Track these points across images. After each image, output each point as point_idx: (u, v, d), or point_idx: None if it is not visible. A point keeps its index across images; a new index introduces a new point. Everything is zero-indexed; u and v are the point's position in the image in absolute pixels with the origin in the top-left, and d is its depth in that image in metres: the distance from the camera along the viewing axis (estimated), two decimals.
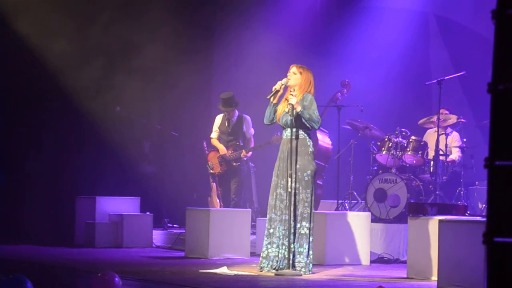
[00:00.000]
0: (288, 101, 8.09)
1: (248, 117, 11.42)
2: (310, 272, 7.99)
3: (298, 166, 8.00)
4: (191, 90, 13.05)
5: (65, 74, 12.27)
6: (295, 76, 8.16)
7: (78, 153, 12.48)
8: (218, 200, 11.60)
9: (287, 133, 8.14)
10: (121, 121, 12.67)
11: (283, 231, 8.01)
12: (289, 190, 7.95)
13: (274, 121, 8.26)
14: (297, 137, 8.06)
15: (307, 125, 8.08)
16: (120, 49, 12.47)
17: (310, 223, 8.00)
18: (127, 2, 12.60)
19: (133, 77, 12.55)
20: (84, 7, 12.40)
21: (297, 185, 7.99)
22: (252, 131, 11.43)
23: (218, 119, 11.51)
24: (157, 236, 11.95)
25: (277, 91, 8.15)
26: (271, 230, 8.08)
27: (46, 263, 8.88)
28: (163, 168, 13.16)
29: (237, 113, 11.44)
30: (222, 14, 13.37)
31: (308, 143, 8.08)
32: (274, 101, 8.20)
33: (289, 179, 7.96)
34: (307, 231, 7.97)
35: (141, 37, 12.53)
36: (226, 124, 11.45)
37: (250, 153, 11.43)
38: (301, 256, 7.96)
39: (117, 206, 11.91)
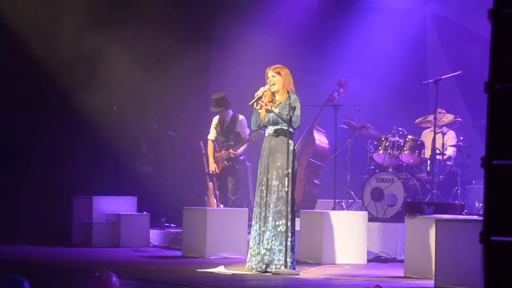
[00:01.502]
0: (268, 105, 8.16)
1: (242, 117, 11.43)
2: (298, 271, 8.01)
3: (279, 164, 8.04)
4: (188, 90, 13.05)
5: (62, 73, 12.25)
6: (275, 79, 8.20)
7: (75, 152, 12.48)
8: (215, 200, 11.61)
9: (269, 131, 8.19)
10: (118, 121, 12.66)
11: (263, 228, 8.04)
12: (275, 188, 7.99)
13: (261, 125, 8.31)
14: (287, 136, 8.07)
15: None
16: (117, 49, 12.46)
17: (289, 221, 7.99)
18: (126, 3, 12.59)
19: (130, 77, 12.55)
20: (84, 6, 12.39)
21: (277, 183, 8.02)
22: (247, 130, 11.43)
23: (215, 119, 11.54)
24: (154, 235, 11.95)
25: (259, 97, 8.20)
26: (255, 227, 8.13)
27: (43, 263, 8.88)
28: (160, 167, 13.16)
29: (231, 113, 11.46)
30: (219, 15, 13.36)
31: (290, 141, 8.10)
32: (258, 107, 8.24)
33: (275, 177, 8.00)
34: (287, 229, 7.97)
35: (138, 38, 12.52)
36: (220, 125, 11.51)
37: (239, 151, 11.40)
38: (281, 254, 7.97)
39: (114, 205, 11.91)
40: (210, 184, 11.69)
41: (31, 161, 12.25)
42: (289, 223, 7.96)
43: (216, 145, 11.57)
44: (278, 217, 7.99)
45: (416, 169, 10.81)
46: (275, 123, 8.14)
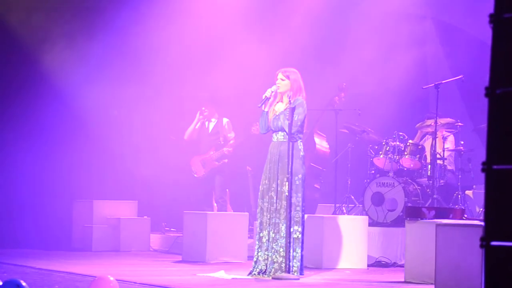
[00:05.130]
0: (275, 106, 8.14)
1: (227, 120, 11.56)
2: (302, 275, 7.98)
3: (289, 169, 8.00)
4: (188, 94, 13.05)
5: (61, 76, 12.25)
6: (283, 82, 8.14)
7: (75, 156, 12.46)
8: (215, 204, 11.62)
9: (278, 136, 8.13)
10: (118, 125, 12.66)
11: (273, 235, 8.00)
12: (286, 194, 7.95)
13: (270, 128, 8.22)
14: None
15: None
16: (118, 53, 12.47)
17: (302, 227, 7.97)
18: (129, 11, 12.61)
19: (130, 81, 12.55)
20: (87, 7, 12.41)
21: (289, 189, 7.99)
22: (233, 134, 11.52)
23: (198, 116, 11.71)
24: (155, 239, 11.95)
25: (267, 99, 8.14)
26: (261, 234, 8.09)
27: (43, 267, 8.87)
28: (160, 171, 13.15)
29: (216, 115, 11.60)
30: (218, 18, 13.35)
31: (300, 147, 8.07)
32: (266, 109, 8.18)
33: (286, 183, 7.97)
34: (300, 235, 7.95)
35: (139, 43, 12.54)
36: (206, 125, 11.60)
37: (232, 149, 11.48)
38: (295, 261, 7.93)
39: (115, 209, 11.92)
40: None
41: (31, 165, 12.23)
42: (302, 229, 7.94)
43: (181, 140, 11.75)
44: (292, 223, 7.94)
45: (417, 174, 10.80)
46: (283, 128, 8.06)
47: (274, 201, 8.02)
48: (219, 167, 11.57)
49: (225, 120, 11.57)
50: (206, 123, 11.65)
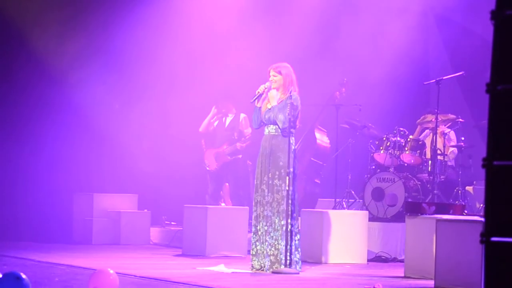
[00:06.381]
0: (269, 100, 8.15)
1: (244, 115, 11.51)
2: (299, 271, 7.98)
3: (281, 163, 8.02)
4: (189, 87, 13.05)
5: (63, 70, 12.25)
6: (276, 79, 8.17)
7: (75, 149, 12.46)
8: (223, 204, 11.57)
9: (269, 129, 8.16)
10: (119, 118, 12.66)
11: (266, 228, 8.02)
12: (278, 187, 7.98)
13: (262, 123, 8.26)
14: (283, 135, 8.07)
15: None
16: (121, 47, 12.47)
17: (293, 220, 7.98)
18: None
19: (132, 75, 12.55)
20: (93, 6, 12.41)
21: (280, 182, 8.01)
22: (250, 129, 11.48)
23: (213, 111, 11.67)
24: (155, 233, 11.96)
25: (260, 94, 8.17)
26: (258, 227, 8.11)
27: (43, 260, 8.88)
28: (161, 165, 13.16)
29: (233, 109, 11.58)
30: (220, 16, 13.35)
31: (291, 141, 8.09)
32: (259, 105, 8.21)
33: (277, 176, 7.99)
34: (290, 228, 7.96)
35: (144, 38, 12.54)
36: (223, 120, 11.58)
37: (245, 144, 11.46)
38: (288, 253, 7.93)
39: (115, 203, 11.92)
40: (226, 184, 11.68)
41: (31, 158, 12.23)
42: (294, 222, 7.96)
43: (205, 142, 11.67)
44: (283, 217, 7.96)
45: (417, 169, 10.80)
46: (275, 122, 8.10)
47: (266, 194, 8.05)
48: (232, 162, 11.55)
49: (242, 115, 11.56)
50: (223, 118, 11.65)
